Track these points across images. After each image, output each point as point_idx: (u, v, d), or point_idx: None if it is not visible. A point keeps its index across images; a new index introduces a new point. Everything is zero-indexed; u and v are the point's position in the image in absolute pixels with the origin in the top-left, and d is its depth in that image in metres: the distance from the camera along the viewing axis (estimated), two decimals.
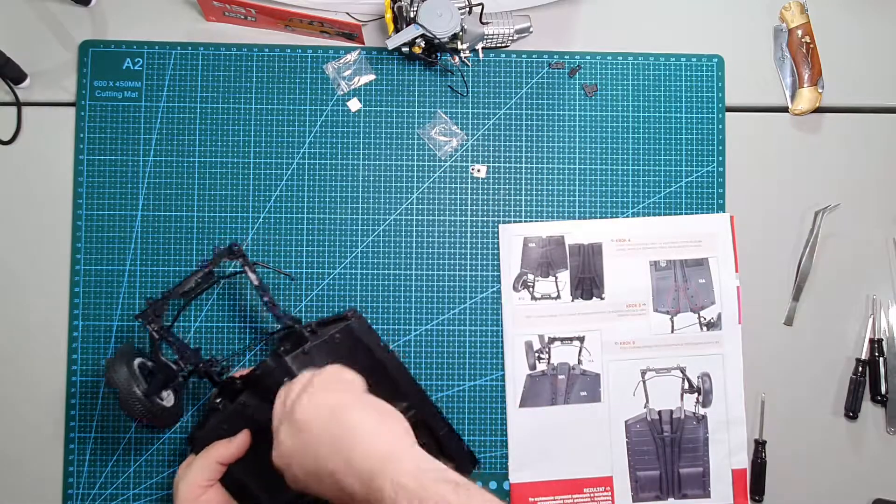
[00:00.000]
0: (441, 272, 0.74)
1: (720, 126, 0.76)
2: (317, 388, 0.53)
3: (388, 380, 0.64)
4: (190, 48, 0.74)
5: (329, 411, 0.51)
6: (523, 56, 0.76)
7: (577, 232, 0.74)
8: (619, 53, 0.76)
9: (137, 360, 0.63)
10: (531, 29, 0.74)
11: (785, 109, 0.77)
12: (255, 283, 0.64)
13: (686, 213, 0.75)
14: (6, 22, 0.74)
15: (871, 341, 0.74)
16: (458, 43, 0.72)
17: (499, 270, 0.74)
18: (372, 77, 0.75)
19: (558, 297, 0.73)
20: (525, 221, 0.74)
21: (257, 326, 0.73)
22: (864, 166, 0.76)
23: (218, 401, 0.62)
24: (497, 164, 0.75)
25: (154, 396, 0.61)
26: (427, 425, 0.66)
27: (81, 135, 0.73)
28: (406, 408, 0.61)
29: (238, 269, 0.65)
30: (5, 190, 0.73)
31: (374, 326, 0.73)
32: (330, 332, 0.62)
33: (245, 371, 0.64)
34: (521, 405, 0.73)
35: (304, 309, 0.73)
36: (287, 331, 0.64)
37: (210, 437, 0.60)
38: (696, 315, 0.73)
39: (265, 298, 0.64)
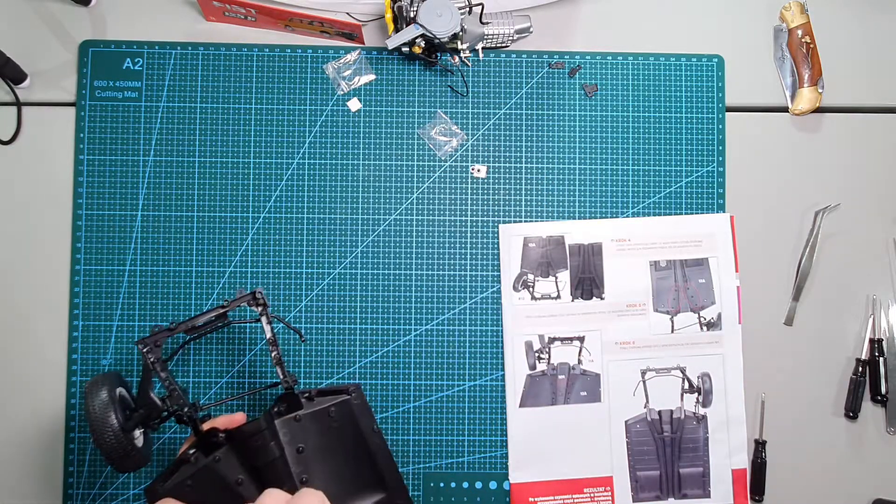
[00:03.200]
0: (441, 272, 0.74)
1: (720, 126, 0.76)
2: None
3: (373, 468, 0.61)
4: (190, 48, 0.74)
5: None
6: (523, 56, 0.76)
7: (577, 232, 0.74)
8: (619, 53, 0.76)
9: (119, 390, 0.59)
10: (531, 29, 0.74)
11: (785, 109, 0.77)
12: (269, 335, 0.61)
13: (686, 213, 0.75)
14: (6, 22, 0.74)
15: (871, 341, 0.74)
16: (458, 43, 0.72)
17: (499, 270, 0.74)
18: (372, 77, 0.75)
19: (558, 297, 0.73)
20: (525, 221, 0.74)
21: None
22: (864, 166, 0.76)
23: (191, 452, 0.57)
24: (497, 164, 0.75)
25: (129, 432, 0.57)
26: None
27: (81, 135, 0.73)
28: (386, 498, 0.60)
29: (254, 317, 0.61)
30: (5, 190, 0.73)
31: (375, 327, 0.73)
32: (326, 403, 0.61)
33: (225, 419, 0.60)
34: (521, 405, 0.73)
35: (304, 309, 0.73)
36: (285, 391, 0.60)
37: (173, 492, 0.55)
38: (696, 315, 0.73)
39: (274, 353, 0.60)
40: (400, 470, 0.71)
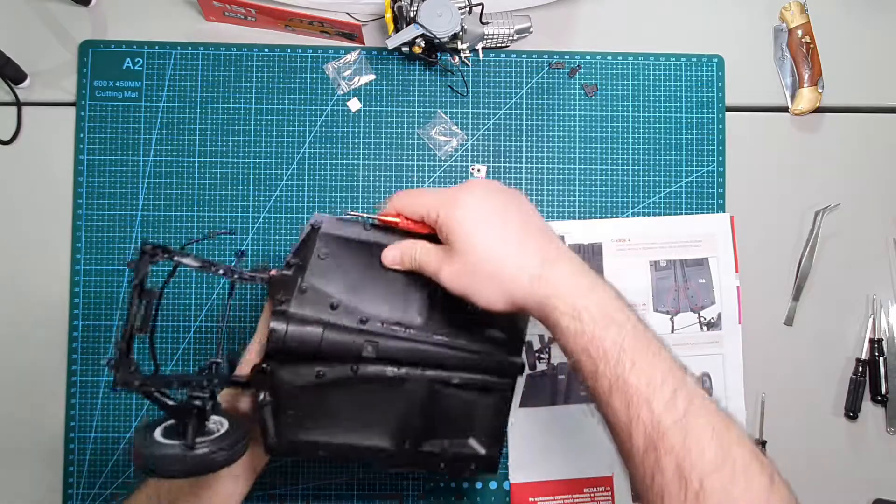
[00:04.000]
0: None
1: (720, 126, 0.76)
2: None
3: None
4: (190, 48, 0.74)
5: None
6: (523, 56, 0.76)
7: (577, 232, 0.74)
8: (619, 53, 0.76)
9: (159, 430, 0.50)
10: (531, 29, 0.74)
11: (785, 109, 0.77)
12: (197, 265, 0.51)
13: (686, 213, 0.75)
14: (6, 22, 0.74)
15: (871, 341, 0.74)
16: (458, 43, 0.72)
17: None
18: (372, 77, 0.75)
19: None
20: None
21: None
22: (864, 166, 0.76)
23: (261, 397, 0.52)
24: (497, 164, 0.75)
25: (201, 442, 0.48)
26: None
27: (81, 135, 0.73)
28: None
29: (169, 266, 0.52)
30: (5, 190, 0.73)
31: None
32: (309, 252, 0.53)
33: (252, 347, 0.55)
34: (521, 405, 0.73)
35: None
36: (270, 281, 0.53)
37: (291, 433, 0.52)
38: (696, 315, 0.73)
39: (220, 271, 0.52)
40: (400, 472, 0.71)
